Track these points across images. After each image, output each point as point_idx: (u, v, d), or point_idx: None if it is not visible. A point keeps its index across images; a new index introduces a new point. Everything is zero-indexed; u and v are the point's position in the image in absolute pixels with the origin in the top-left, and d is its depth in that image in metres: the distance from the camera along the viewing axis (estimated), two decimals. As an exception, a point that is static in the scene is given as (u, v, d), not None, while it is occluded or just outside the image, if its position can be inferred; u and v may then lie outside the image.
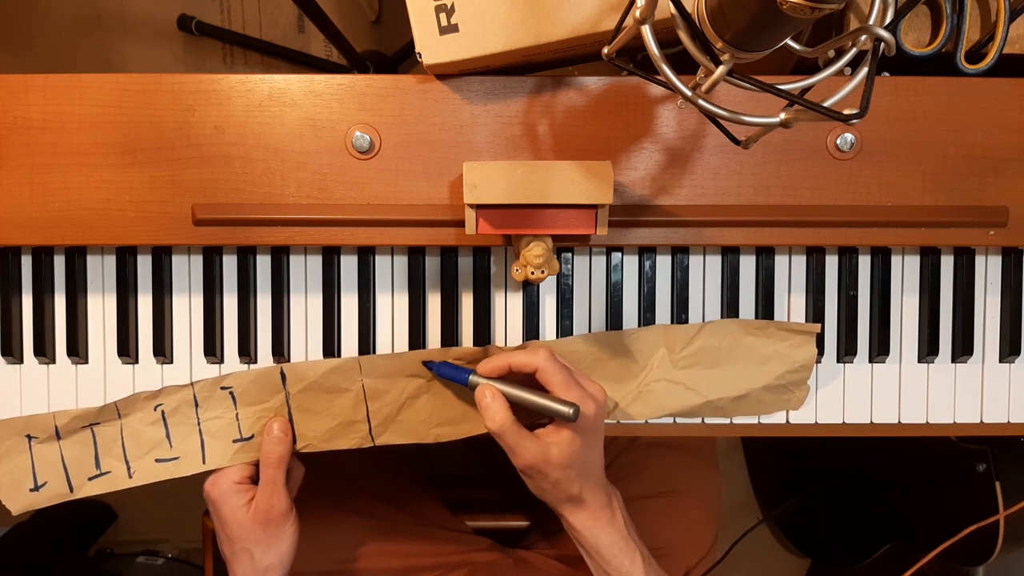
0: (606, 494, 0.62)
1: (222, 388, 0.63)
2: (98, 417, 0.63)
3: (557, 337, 0.65)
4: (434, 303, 0.66)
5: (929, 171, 0.61)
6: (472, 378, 0.60)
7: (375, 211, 0.61)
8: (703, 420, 0.66)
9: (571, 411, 0.56)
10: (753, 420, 0.67)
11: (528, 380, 0.59)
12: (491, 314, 0.66)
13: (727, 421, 0.66)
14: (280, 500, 0.60)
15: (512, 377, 0.60)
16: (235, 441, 0.63)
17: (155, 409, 0.63)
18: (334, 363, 0.63)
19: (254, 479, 0.63)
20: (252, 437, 0.63)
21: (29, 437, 0.62)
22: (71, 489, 0.63)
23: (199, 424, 0.63)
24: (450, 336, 0.65)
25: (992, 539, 0.95)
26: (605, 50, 0.49)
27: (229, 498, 0.61)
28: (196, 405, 0.63)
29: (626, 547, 0.62)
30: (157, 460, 0.63)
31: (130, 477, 0.63)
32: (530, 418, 0.59)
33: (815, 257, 0.66)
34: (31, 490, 0.63)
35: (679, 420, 0.66)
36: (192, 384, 0.63)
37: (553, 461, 0.57)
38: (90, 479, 0.63)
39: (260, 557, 0.61)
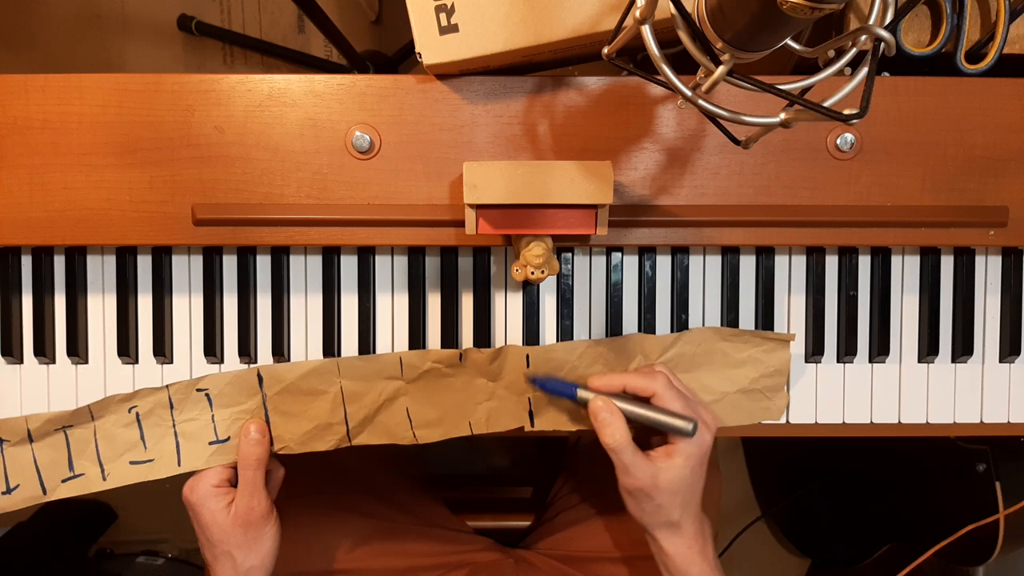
0: (701, 523, 0.62)
1: (198, 390, 0.62)
2: (71, 420, 0.62)
3: (557, 339, 0.65)
4: (434, 303, 0.66)
5: (929, 171, 0.61)
6: (581, 393, 0.59)
7: (375, 211, 0.61)
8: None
9: (690, 426, 0.56)
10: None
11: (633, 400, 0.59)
12: (491, 314, 0.66)
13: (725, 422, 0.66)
14: (260, 502, 0.60)
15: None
16: (211, 443, 0.62)
17: (129, 411, 0.62)
18: (312, 365, 0.62)
19: (232, 482, 0.62)
20: (228, 439, 0.62)
21: (0, 440, 0.62)
22: (44, 491, 0.62)
23: (174, 426, 0.62)
24: (450, 336, 0.65)
25: (992, 539, 0.95)
26: (605, 50, 0.49)
27: (208, 501, 0.60)
28: (171, 407, 0.62)
29: None
30: (131, 462, 0.62)
31: (104, 479, 0.62)
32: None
33: (815, 257, 0.66)
34: (3, 493, 0.62)
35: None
36: (167, 386, 0.63)
37: (662, 485, 0.57)
38: (63, 481, 0.62)
39: (242, 560, 0.60)
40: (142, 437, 0.62)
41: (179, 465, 0.62)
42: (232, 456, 0.62)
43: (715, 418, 0.60)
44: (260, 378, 0.62)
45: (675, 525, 0.60)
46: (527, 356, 0.63)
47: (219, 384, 0.62)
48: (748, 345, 0.64)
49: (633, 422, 0.58)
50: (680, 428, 0.56)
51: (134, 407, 0.62)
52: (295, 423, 0.62)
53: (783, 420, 0.67)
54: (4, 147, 0.60)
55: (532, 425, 0.64)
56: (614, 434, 0.57)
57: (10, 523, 1.32)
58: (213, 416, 0.62)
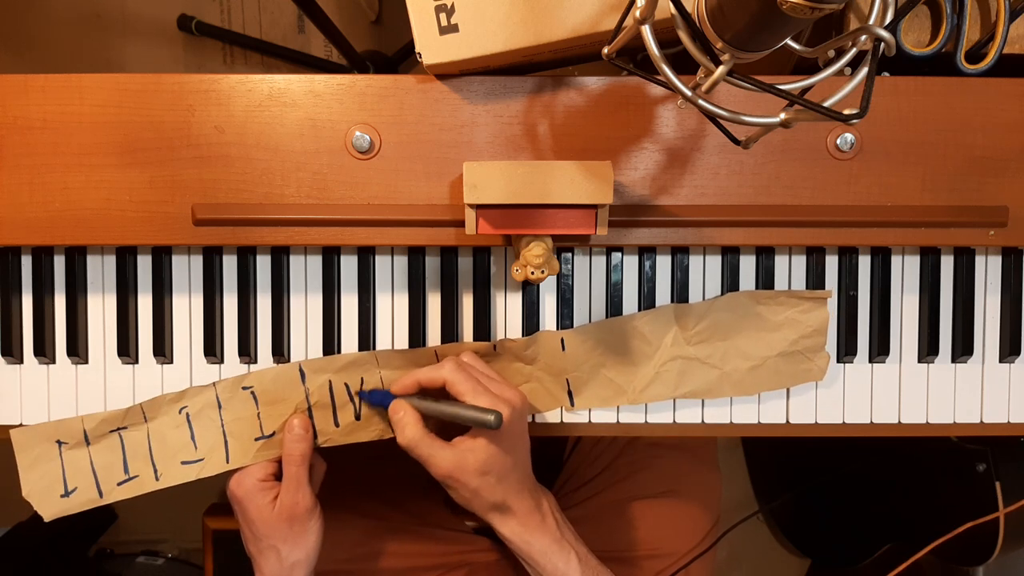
0: (534, 499, 0.62)
1: (243, 388, 0.63)
2: (125, 420, 0.63)
3: (557, 337, 0.66)
4: (434, 303, 0.66)
5: (929, 171, 0.61)
6: (396, 401, 0.60)
7: (375, 211, 0.61)
8: (703, 420, 0.66)
9: (492, 417, 0.55)
10: (753, 420, 0.67)
11: (445, 394, 0.60)
12: (491, 314, 0.66)
13: (727, 421, 0.66)
14: (305, 497, 0.61)
15: (428, 393, 0.61)
16: (257, 439, 0.63)
17: (180, 412, 0.63)
18: (351, 357, 0.63)
19: (277, 476, 0.63)
20: (273, 435, 0.63)
21: (59, 443, 0.63)
22: (101, 494, 0.63)
23: (223, 425, 0.63)
24: (450, 337, 0.65)
25: (992, 539, 0.95)
26: (605, 50, 0.49)
27: (254, 497, 0.61)
28: (219, 406, 0.63)
29: (559, 550, 0.61)
30: (183, 462, 0.63)
31: (157, 480, 0.63)
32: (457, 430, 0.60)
33: (815, 257, 0.66)
34: (62, 496, 0.63)
35: (679, 420, 0.66)
36: (215, 385, 0.63)
37: (470, 468, 0.57)
38: (119, 484, 0.63)
39: (287, 554, 0.61)
40: (192, 438, 0.63)
41: (228, 463, 0.63)
42: (277, 451, 0.63)
43: (516, 393, 0.60)
44: (302, 373, 0.63)
45: (502, 507, 0.60)
46: (562, 340, 0.63)
47: (263, 381, 0.63)
48: (784, 307, 0.64)
49: (450, 422, 0.58)
50: (481, 420, 0.56)
51: (184, 408, 0.63)
52: (338, 415, 0.63)
53: (783, 420, 0.67)
54: (4, 147, 0.60)
55: (572, 405, 0.65)
56: (404, 431, 0.58)
57: (10, 523, 1.32)
58: (259, 413, 0.63)
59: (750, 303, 0.64)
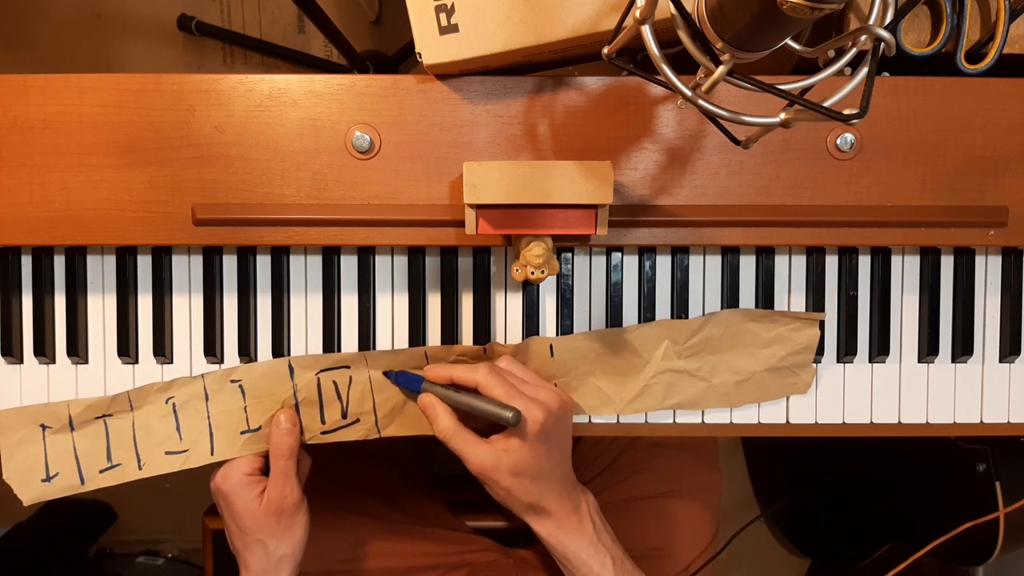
0: (572, 500, 0.62)
1: (231, 381, 0.63)
2: (110, 408, 0.63)
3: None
4: (434, 303, 0.66)
5: (929, 171, 0.61)
6: (424, 386, 0.61)
7: (375, 211, 0.61)
8: (703, 420, 0.66)
9: (511, 415, 0.56)
10: (753, 420, 0.67)
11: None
12: (491, 314, 0.66)
13: (727, 421, 0.66)
14: (292, 491, 0.61)
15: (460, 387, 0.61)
16: (243, 433, 0.63)
17: (167, 402, 0.63)
18: (340, 356, 0.63)
19: (264, 471, 0.63)
20: (259, 429, 0.63)
21: (43, 427, 0.63)
22: (82, 481, 0.63)
23: (208, 417, 0.63)
24: (450, 336, 0.65)
25: (992, 539, 0.95)
26: (605, 50, 0.49)
27: (240, 491, 0.61)
28: (206, 398, 0.63)
29: (595, 552, 0.62)
30: (167, 452, 0.63)
31: (140, 469, 0.63)
32: (477, 423, 0.60)
33: (815, 257, 0.66)
34: (43, 480, 0.63)
35: (679, 420, 0.66)
36: (203, 376, 0.63)
37: (504, 468, 0.58)
38: (101, 471, 0.63)
39: (274, 548, 0.61)
40: (178, 428, 0.63)
41: (212, 454, 0.63)
42: (263, 445, 0.63)
43: (555, 396, 0.60)
44: (291, 369, 0.63)
45: (537, 507, 0.61)
46: (551, 346, 0.63)
47: (252, 375, 0.63)
48: (776, 324, 0.64)
49: (474, 415, 0.59)
50: (502, 416, 0.56)
51: (171, 398, 0.63)
52: (325, 412, 0.63)
53: (783, 420, 0.67)
54: (4, 147, 0.60)
55: None
56: (439, 422, 0.59)
57: (10, 523, 1.32)
58: (246, 407, 0.63)
59: (743, 320, 0.64)
